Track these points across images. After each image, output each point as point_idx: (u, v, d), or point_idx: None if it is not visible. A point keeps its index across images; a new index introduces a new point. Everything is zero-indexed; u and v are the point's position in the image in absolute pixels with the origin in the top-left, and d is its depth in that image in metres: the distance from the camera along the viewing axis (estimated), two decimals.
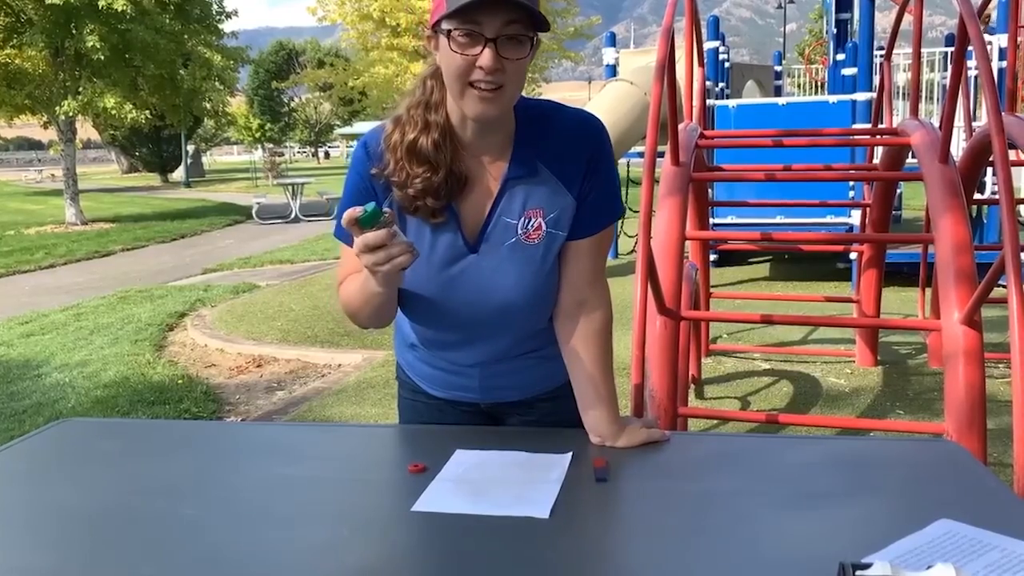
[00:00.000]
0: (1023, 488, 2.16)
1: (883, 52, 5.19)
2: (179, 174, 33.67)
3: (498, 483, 1.38)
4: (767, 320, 3.27)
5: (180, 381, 5.23)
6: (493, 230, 1.47)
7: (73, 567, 1.16)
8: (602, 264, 1.56)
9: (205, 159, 47.64)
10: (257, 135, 54.80)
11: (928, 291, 4.98)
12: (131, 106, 16.18)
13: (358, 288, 1.43)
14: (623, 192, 1.62)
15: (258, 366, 5.72)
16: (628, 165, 11.09)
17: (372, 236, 1.26)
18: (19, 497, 1.40)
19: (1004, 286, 2.40)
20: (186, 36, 16.96)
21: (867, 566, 0.99)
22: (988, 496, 1.30)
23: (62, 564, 1.16)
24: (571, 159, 1.47)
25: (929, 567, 0.99)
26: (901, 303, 6.35)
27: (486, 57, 1.30)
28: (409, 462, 1.45)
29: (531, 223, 1.47)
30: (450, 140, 1.43)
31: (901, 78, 9.68)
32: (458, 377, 1.63)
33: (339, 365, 5.61)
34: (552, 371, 1.61)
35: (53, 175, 34.13)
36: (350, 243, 1.51)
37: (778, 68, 13.82)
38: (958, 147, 5.67)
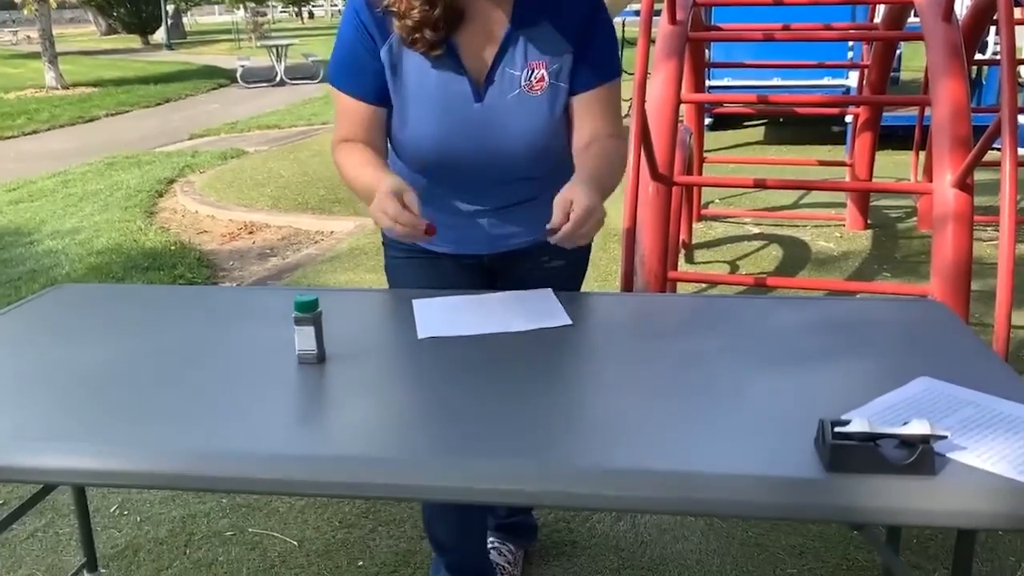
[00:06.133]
0: (1002, 347, 2.22)
1: None
2: (160, 36, 32.48)
3: (497, 310, 1.49)
4: (760, 184, 3.26)
5: (173, 247, 5.23)
6: (498, 81, 1.51)
7: (72, 425, 1.19)
8: (618, 122, 1.59)
9: (186, 20, 45.88)
10: None
11: (922, 155, 4.95)
12: None
13: (360, 185, 1.51)
14: (619, 52, 1.62)
15: (250, 233, 5.71)
16: (623, 24, 10.75)
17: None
18: (18, 358, 1.43)
19: (999, 149, 2.39)
20: None
21: (846, 422, 1.03)
22: (968, 355, 1.33)
23: (62, 422, 1.20)
24: (569, 14, 1.52)
25: (905, 423, 1.03)
26: (894, 167, 6.31)
27: None
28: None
29: (534, 74, 1.52)
30: None
31: None
32: (466, 230, 1.67)
33: (331, 232, 5.60)
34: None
35: (29, 37, 32.87)
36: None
37: None
38: (962, 6, 5.49)
